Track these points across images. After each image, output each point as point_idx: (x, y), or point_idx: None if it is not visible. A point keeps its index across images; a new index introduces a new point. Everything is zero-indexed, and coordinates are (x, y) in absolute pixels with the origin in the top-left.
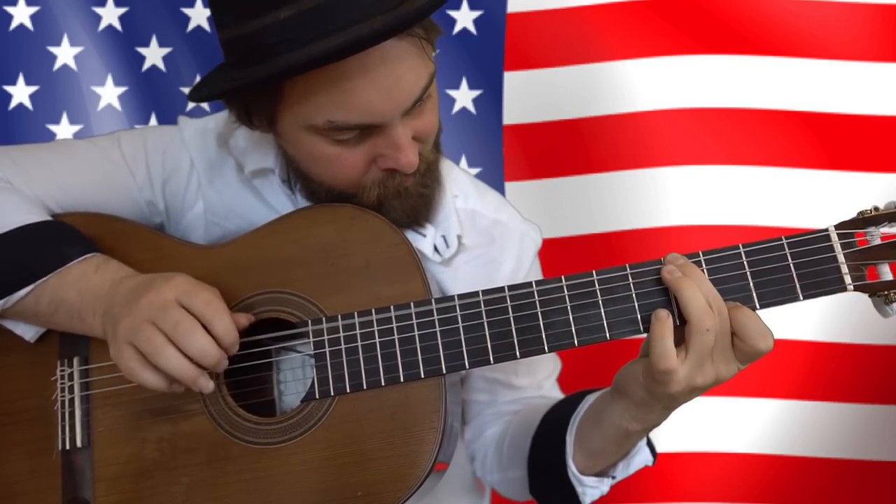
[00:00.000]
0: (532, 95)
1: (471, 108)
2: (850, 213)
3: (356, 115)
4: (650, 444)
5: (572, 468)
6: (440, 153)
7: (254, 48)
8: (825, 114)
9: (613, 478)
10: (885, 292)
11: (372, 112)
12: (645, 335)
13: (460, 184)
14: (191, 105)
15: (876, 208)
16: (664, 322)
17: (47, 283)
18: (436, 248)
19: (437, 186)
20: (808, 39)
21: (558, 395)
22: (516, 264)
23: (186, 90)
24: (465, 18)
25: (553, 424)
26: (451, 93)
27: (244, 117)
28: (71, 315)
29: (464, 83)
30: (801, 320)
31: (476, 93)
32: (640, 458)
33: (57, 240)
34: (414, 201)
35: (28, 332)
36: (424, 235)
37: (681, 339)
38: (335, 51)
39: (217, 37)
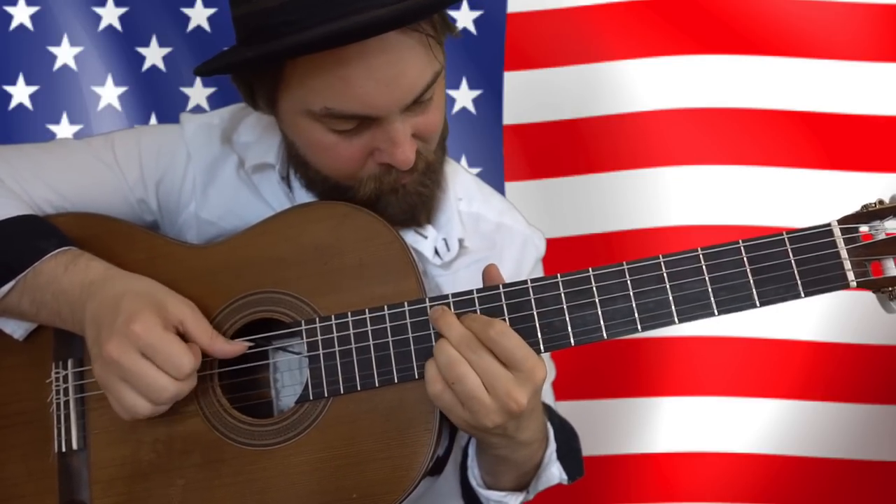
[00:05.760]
0: (532, 95)
1: (471, 108)
2: (850, 212)
3: (353, 105)
4: (572, 460)
5: (470, 480)
6: (445, 155)
7: (258, 28)
8: (825, 114)
9: (527, 492)
10: (890, 288)
11: (369, 104)
12: (642, 334)
13: (465, 186)
14: (190, 105)
15: (881, 202)
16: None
17: (25, 281)
18: (436, 251)
19: (437, 187)
20: (808, 39)
21: (551, 401)
22: (515, 268)
23: (186, 90)
24: (465, 18)
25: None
26: (451, 93)
27: (249, 97)
28: (52, 317)
29: (464, 83)
30: (801, 320)
31: (476, 93)
32: (547, 477)
33: (31, 234)
34: (412, 199)
35: (17, 331)
36: (426, 237)
37: None
38: (330, 36)
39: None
